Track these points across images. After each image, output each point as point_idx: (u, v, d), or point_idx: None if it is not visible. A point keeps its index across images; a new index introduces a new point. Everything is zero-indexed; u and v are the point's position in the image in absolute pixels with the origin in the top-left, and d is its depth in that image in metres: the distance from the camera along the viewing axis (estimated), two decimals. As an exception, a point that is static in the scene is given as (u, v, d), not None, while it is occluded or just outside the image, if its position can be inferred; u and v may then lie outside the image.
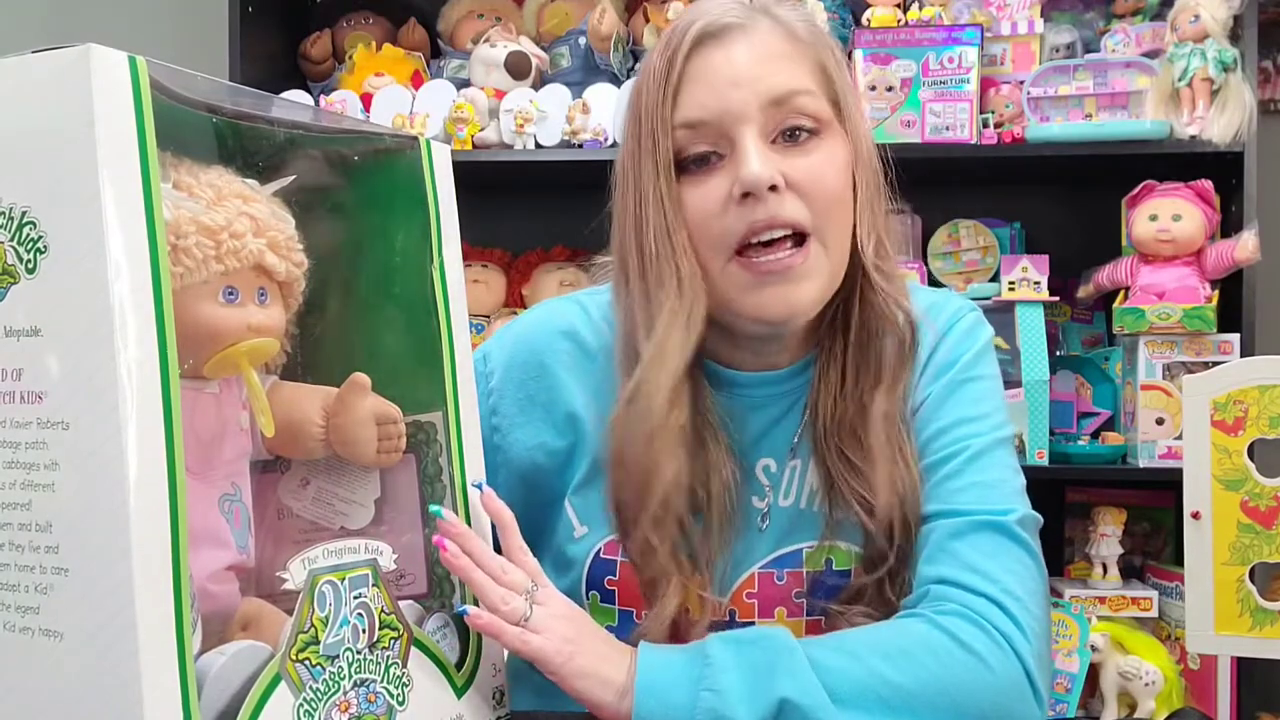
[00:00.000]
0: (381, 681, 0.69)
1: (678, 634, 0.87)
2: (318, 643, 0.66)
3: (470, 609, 0.75)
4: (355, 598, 0.68)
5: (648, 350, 0.86)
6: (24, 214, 0.57)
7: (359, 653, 0.68)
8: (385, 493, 0.78)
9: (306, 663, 0.65)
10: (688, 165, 0.86)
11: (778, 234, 0.84)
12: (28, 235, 0.57)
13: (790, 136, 0.86)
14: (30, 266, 0.57)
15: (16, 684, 0.58)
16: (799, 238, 0.85)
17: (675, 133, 0.85)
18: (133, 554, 0.55)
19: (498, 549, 0.82)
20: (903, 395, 0.90)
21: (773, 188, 0.83)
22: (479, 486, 0.79)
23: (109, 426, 0.55)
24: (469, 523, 0.79)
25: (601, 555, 0.93)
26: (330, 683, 0.66)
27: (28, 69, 0.57)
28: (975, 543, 0.84)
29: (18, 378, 0.57)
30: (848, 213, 0.88)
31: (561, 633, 0.77)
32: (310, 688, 0.65)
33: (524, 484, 0.94)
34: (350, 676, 0.67)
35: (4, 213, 0.57)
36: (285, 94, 1.97)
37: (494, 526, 0.81)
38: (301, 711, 0.64)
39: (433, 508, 0.77)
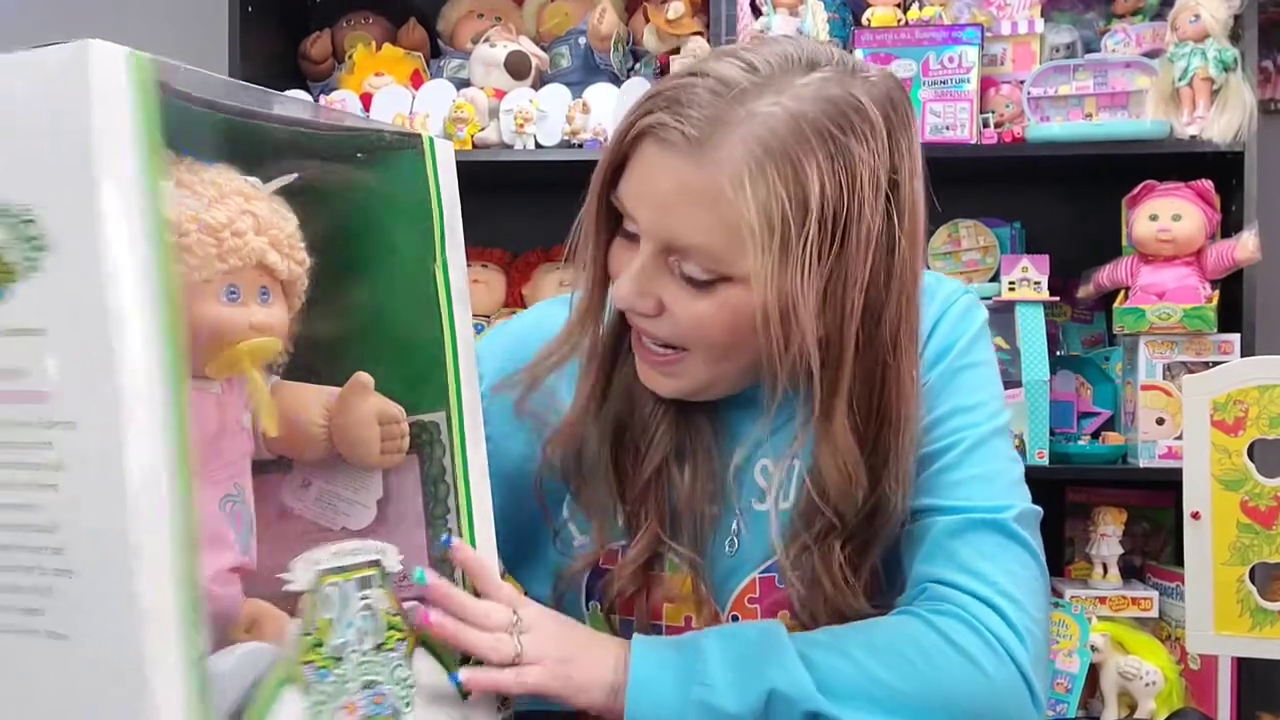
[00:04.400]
0: (388, 683, 0.69)
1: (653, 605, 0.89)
2: (323, 645, 0.66)
3: (462, 674, 0.74)
4: (361, 599, 0.68)
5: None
6: (25, 212, 0.56)
7: (365, 654, 0.68)
8: (387, 493, 0.78)
9: (313, 665, 0.65)
10: (625, 228, 0.83)
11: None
12: (28, 234, 0.56)
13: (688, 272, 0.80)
14: (32, 266, 0.56)
15: (22, 687, 0.57)
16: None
17: (613, 200, 0.83)
18: (135, 555, 0.54)
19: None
20: (871, 550, 0.87)
21: (642, 311, 0.81)
22: (447, 544, 0.78)
23: (111, 427, 0.55)
24: (470, 530, 0.79)
25: (600, 565, 0.92)
26: (337, 685, 0.66)
27: (28, 65, 0.56)
28: (973, 542, 0.83)
29: (19, 378, 0.56)
30: (744, 353, 0.82)
31: (554, 656, 0.78)
32: (318, 690, 0.65)
33: (515, 494, 0.93)
34: (356, 679, 0.67)
35: (4, 211, 0.57)
36: (285, 93, 1.97)
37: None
38: (311, 714, 0.64)
39: (444, 538, 0.77)
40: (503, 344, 0.97)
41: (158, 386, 0.56)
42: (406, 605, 0.72)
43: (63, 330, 0.56)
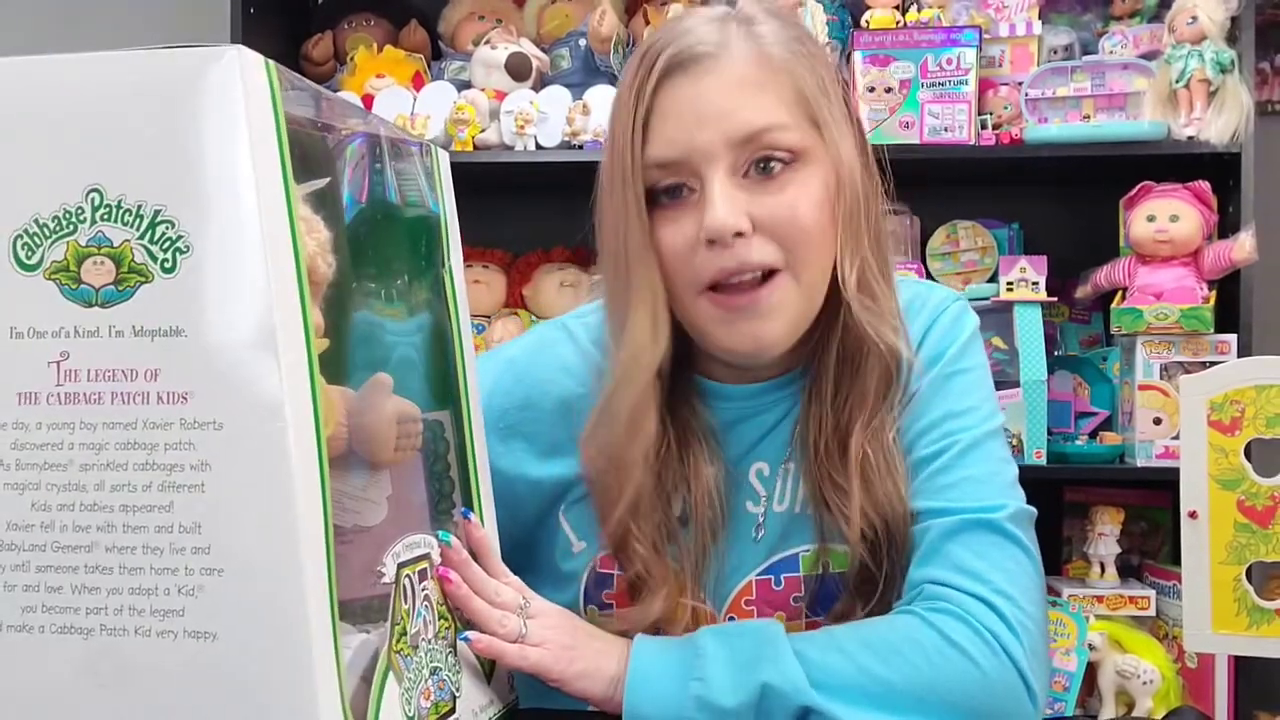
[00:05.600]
0: (445, 669, 0.72)
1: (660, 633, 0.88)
2: (406, 634, 0.68)
3: (470, 635, 0.77)
4: (422, 590, 0.71)
5: (616, 368, 0.87)
6: (157, 213, 0.56)
7: (430, 642, 0.71)
8: (393, 490, 0.79)
9: (402, 653, 0.67)
10: (660, 197, 0.85)
11: (747, 276, 0.84)
12: (164, 235, 0.56)
13: (763, 169, 0.84)
14: (168, 266, 0.56)
15: (154, 688, 0.57)
16: (769, 271, 0.85)
17: (647, 169, 0.84)
18: (302, 551, 0.55)
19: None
20: (887, 425, 0.89)
21: (740, 233, 0.82)
22: (466, 514, 0.81)
23: (272, 428, 0.55)
24: (482, 521, 0.81)
25: (598, 569, 0.93)
26: (417, 672, 0.68)
27: (157, 65, 0.56)
28: (967, 542, 0.84)
29: (153, 378, 0.56)
30: (825, 243, 0.86)
31: (558, 641, 0.81)
32: (406, 677, 0.67)
33: (503, 507, 0.93)
34: (427, 665, 0.70)
35: (128, 210, 0.56)
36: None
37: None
38: (404, 700, 0.66)
39: (464, 510, 0.80)
40: (495, 373, 0.96)
41: (304, 388, 0.56)
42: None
43: (209, 333, 0.56)
